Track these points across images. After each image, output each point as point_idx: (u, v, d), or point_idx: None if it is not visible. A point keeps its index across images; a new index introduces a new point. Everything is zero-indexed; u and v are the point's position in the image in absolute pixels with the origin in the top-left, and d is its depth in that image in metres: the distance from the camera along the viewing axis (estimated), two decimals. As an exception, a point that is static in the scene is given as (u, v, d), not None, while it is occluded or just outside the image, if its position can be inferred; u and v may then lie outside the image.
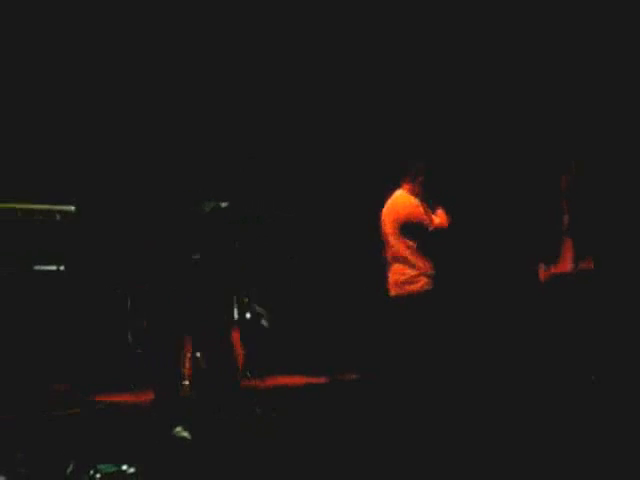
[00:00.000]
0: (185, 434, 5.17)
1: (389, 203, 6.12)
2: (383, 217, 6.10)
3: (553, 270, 6.07)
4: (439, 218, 6.02)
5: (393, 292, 6.02)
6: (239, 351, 7.05)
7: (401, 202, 6.04)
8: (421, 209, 5.98)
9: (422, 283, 5.91)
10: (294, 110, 7.95)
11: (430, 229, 5.94)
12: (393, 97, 7.75)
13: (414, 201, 6.01)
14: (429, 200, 6.07)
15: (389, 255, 6.05)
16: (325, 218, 7.94)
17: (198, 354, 6.60)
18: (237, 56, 7.62)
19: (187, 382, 6.42)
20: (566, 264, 6.04)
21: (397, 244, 5.97)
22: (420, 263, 5.92)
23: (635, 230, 6.32)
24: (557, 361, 5.91)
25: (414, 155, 6.32)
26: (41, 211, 6.19)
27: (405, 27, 7.54)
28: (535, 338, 6.30)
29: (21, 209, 6.11)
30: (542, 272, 6.16)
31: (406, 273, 5.93)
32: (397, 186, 6.14)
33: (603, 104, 6.78)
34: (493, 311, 7.13)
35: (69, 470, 4.07)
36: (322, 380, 7.32)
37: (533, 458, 4.55)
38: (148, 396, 6.35)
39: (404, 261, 5.94)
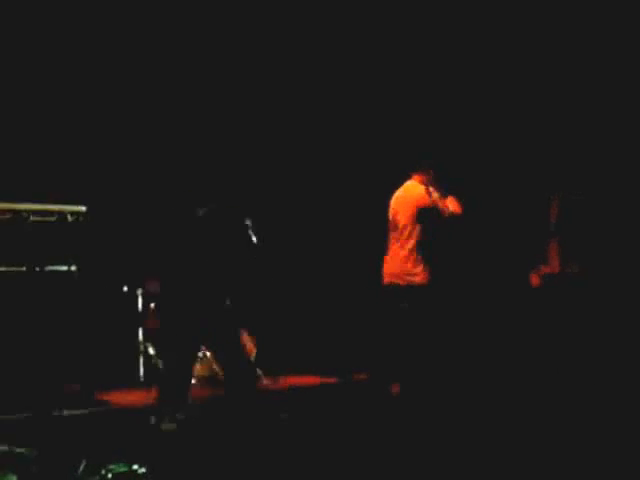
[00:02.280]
0: (170, 426, 5.22)
1: (402, 193, 6.12)
2: (395, 207, 6.09)
3: (544, 270, 6.11)
4: (452, 205, 6.02)
5: (391, 280, 6.02)
6: (250, 350, 7.06)
7: (415, 191, 6.05)
8: (436, 195, 5.99)
9: (422, 277, 5.92)
10: (294, 108, 7.94)
11: (446, 215, 5.94)
12: (393, 97, 7.77)
13: (427, 189, 6.02)
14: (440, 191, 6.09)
15: (395, 245, 6.04)
16: (333, 216, 7.93)
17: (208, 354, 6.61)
18: (240, 58, 7.63)
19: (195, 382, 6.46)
20: (554, 265, 6.08)
21: (409, 234, 5.96)
22: (424, 256, 5.94)
23: (623, 235, 6.36)
24: (548, 358, 5.96)
25: (426, 149, 6.34)
26: (52, 211, 6.20)
27: (412, 30, 7.56)
28: (526, 337, 6.34)
29: (32, 210, 6.12)
30: (534, 277, 6.20)
31: (409, 264, 5.94)
32: (407, 177, 6.16)
33: (593, 117, 6.85)
34: (486, 309, 7.17)
35: (80, 469, 4.08)
36: (333, 380, 7.32)
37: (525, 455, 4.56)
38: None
39: (410, 252, 5.94)
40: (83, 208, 6.30)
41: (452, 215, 5.97)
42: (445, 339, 6.27)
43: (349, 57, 7.78)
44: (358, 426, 5.42)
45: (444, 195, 6.05)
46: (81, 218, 6.28)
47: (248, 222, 5.47)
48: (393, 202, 6.14)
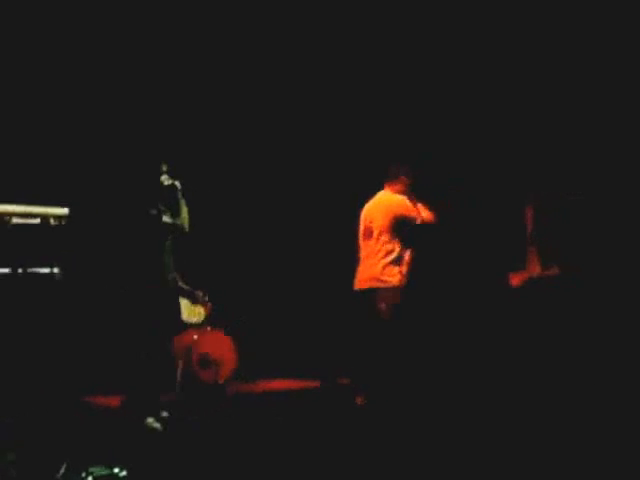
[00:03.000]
0: (156, 425, 5.26)
1: (376, 202, 6.25)
2: (369, 214, 6.21)
3: (522, 275, 6.17)
4: (424, 213, 6.14)
5: (366, 285, 6.10)
6: (231, 356, 7.07)
7: (390, 199, 6.19)
8: (410, 203, 6.15)
9: (399, 278, 6.00)
10: (269, 113, 7.96)
11: (417, 222, 6.08)
12: (370, 103, 7.80)
13: (402, 197, 6.17)
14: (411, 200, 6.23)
15: (368, 250, 6.15)
16: (318, 222, 7.94)
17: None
18: (224, 63, 7.64)
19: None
20: (532, 269, 6.14)
21: (383, 238, 6.06)
22: (400, 260, 6.05)
23: (603, 235, 6.42)
24: (529, 361, 6.00)
25: (396, 158, 6.42)
26: (35, 214, 6.17)
27: (388, 35, 7.57)
28: (506, 341, 6.38)
29: (14, 212, 6.09)
30: (514, 277, 6.24)
31: (385, 267, 6.02)
32: (380, 188, 6.30)
33: (568, 120, 6.91)
34: (466, 312, 7.21)
35: (61, 472, 4.06)
36: (315, 384, 7.33)
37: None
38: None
39: (387, 257, 6.04)
40: (66, 211, 6.27)
41: (423, 222, 6.12)
42: (423, 340, 6.36)
43: (321, 67, 7.81)
44: (341, 430, 5.43)
45: (414, 202, 6.19)
46: (64, 221, 6.25)
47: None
48: (367, 212, 6.25)
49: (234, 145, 7.92)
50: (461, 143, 7.45)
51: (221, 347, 7.00)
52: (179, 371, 6.65)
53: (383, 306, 5.97)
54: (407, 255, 6.09)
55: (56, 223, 6.05)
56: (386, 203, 6.16)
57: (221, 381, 6.93)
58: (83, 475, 4.05)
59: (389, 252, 6.03)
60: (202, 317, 7.11)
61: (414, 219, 6.09)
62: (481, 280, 7.08)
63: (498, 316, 6.60)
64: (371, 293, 6.06)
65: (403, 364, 5.95)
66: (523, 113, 7.15)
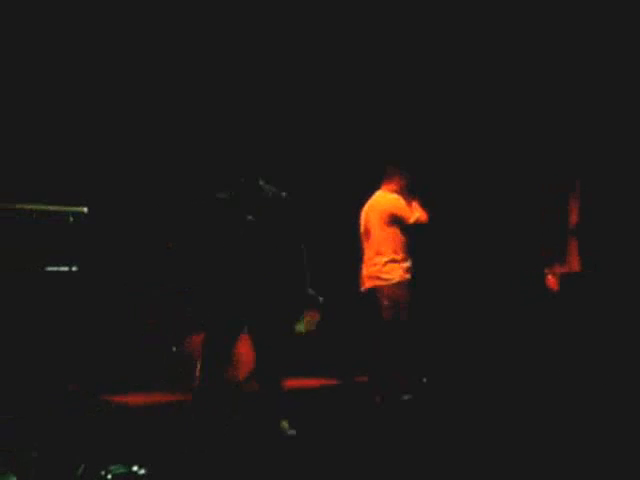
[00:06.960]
0: (291, 432, 5.19)
1: (371, 202, 6.34)
2: (365, 214, 6.31)
3: (560, 270, 6.04)
4: (417, 212, 6.18)
5: (370, 284, 6.19)
6: (250, 355, 7.06)
7: (383, 198, 6.28)
8: (403, 202, 6.20)
9: (400, 274, 6.06)
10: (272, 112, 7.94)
11: (409, 222, 6.12)
12: (382, 98, 7.76)
13: (395, 196, 6.24)
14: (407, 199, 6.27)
15: (368, 249, 6.23)
16: (336, 219, 7.92)
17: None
18: (230, 61, 7.62)
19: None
20: (573, 264, 6.02)
21: (379, 237, 6.16)
22: (399, 255, 6.12)
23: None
24: (561, 361, 5.91)
25: (396, 159, 6.46)
26: (53, 212, 6.21)
27: (395, 28, 7.51)
28: (540, 337, 6.29)
29: (33, 210, 6.12)
30: (550, 277, 6.12)
31: (383, 265, 6.11)
32: (377, 188, 6.35)
33: (611, 108, 6.75)
34: (495, 308, 7.16)
35: (80, 471, 4.07)
36: (333, 382, 7.33)
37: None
38: (160, 397, 6.37)
39: (383, 254, 6.12)
40: (85, 209, 6.31)
41: (417, 222, 6.15)
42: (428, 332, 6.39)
43: (322, 72, 7.77)
44: (358, 428, 5.42)
45: (409, 201, 6.24)
46: (82, 219, 6.28)
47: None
48: (364, 212, 6.36)
49: (236, 148, 7.89)
50: (503, 129, 7.35)
51: (240, 346, 6.99)
52: (197, 371, 6.65)
53: (386, 303, 6.05)
54: (406, 252, 6.15)
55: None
56: (379, 202, 6.27)
57: (240, 380, 6.93)
58: (102, 473, 4.06)
59: (386, 250, 6.11)
60: (303, 327, 6.55)
61: (406, 218, 6.14)
62: (507, 276, 7.01)
63: (530, 315, 6.47)
64: (375, 292, 6.15)
65: (418, 360, 5.99)
66: (569, 98, 7.00)
